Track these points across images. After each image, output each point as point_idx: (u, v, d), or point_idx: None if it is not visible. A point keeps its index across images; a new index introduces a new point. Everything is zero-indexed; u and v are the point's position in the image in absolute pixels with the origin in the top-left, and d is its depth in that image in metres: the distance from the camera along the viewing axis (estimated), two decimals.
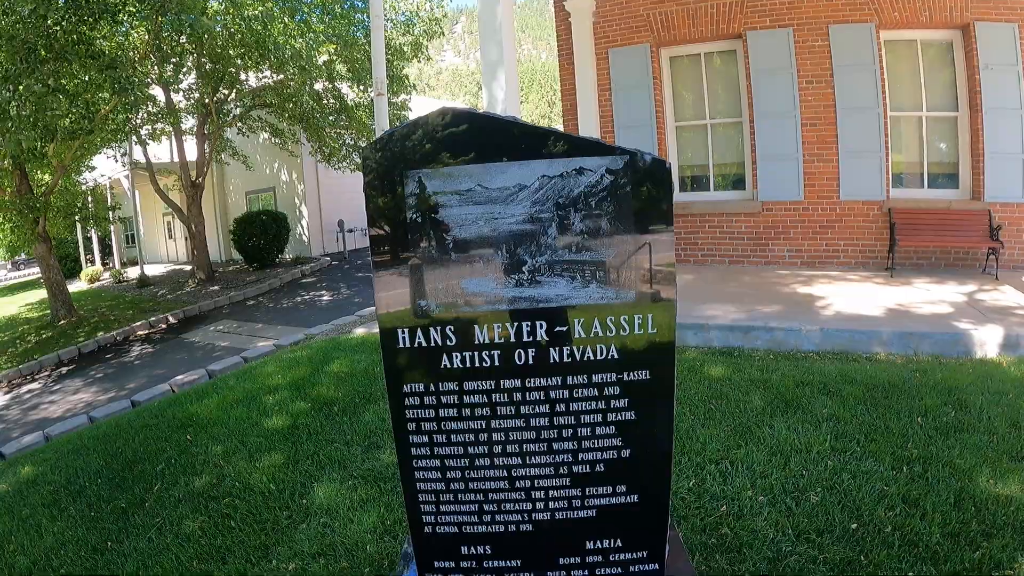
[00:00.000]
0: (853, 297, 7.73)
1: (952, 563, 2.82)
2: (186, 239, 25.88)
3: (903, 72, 10.08)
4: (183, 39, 15.01)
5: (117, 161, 22.17)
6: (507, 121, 2.08)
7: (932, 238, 9.28)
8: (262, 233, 20.56)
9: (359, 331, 8.74)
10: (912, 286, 8.33)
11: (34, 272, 40.97)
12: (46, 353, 13.76)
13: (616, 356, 2.14)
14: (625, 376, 2.17)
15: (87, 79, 13.29)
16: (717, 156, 10.84)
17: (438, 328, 2.15)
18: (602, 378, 2.18)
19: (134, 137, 18.46)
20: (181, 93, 18.52)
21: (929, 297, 7.66)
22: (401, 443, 2.25)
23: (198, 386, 7.22)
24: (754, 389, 4.98)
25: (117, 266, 26.66)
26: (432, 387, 2.19)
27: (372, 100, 17.79)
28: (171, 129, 18.83)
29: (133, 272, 24.35)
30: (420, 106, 25.34)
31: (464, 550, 2.34)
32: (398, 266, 2.11)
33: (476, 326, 2.13)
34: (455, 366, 2.17)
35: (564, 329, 2.12)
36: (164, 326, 15.37)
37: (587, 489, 2.26)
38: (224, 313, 15.66)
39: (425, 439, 2.23)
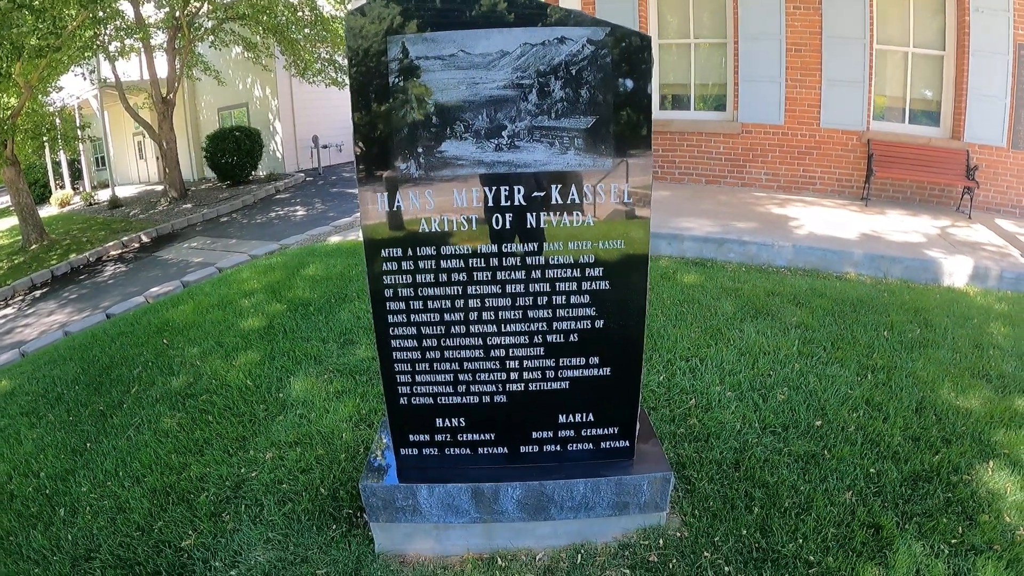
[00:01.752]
0: (827, 221, 7.82)
1: (912, 464, 2.93)
2: (157, 159, 25.35)
3: (893, 6, 9.97)
4: None
5: (86, 79, 21.55)
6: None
7: (909, 172, 9.33)
8: (235, 150, 20.12)
9: (334, 239, 8.75)
10: (886, 216, 8.43)
11: (5, 201, 40.29)
12: (18, 278, 13.63)
13: (591, 224, 2.17)
14: (600, 244, 2.22)
15: None
16: (699, 76, 10.74)
17: (422, 189, 2.16)
18: (577, 245, 2.22)
19: (102, 54, 17.86)
20: (151, 5, 17.96)
21: (902, 227, 7.77)
22: (378, 311, 2.29)
23: (173, 295, 7.21)
24: (725, 296, 5.07)
25: (88, 189, 26.07)
26: (410, 252, 2.21)
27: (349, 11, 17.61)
28: (140, 45, 18.19)
29: (104, 194, 23.90)
30: None
31: (439, 423, 2.40)
32: (380, 132, 2.12)
33: (455, 189, 2.15)
34: (433, 229, 2.19)
35: (541, 195, 2.14)
36: (137, 245, 15.22)
37: (561, 360, 2.32)
38: (197, 231, 15.52)
39: (402, 306, 2.26)
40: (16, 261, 15.50)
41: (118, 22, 16.23)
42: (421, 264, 2.22)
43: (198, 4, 17.85)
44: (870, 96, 9.69)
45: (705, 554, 2.41)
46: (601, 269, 2.22)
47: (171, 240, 14.93)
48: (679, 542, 2.48)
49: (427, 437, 2.43)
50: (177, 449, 3.48)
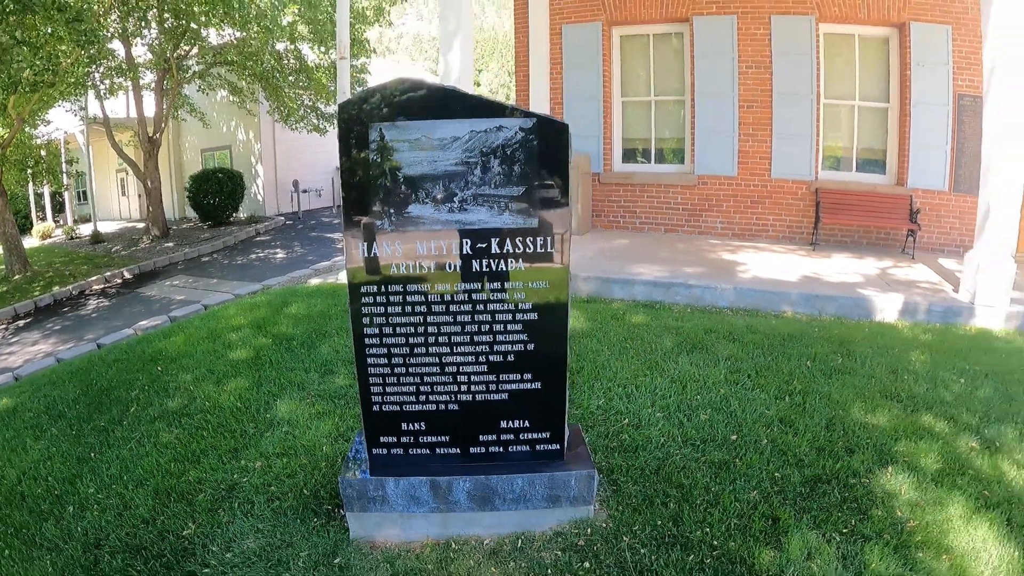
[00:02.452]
0: (773, 265, 8.43)
1: (814, 469, 3.47)
2: (140, 196, 25.71)
3: (839, 63, 10.73)
4: None
5: (75, 115, 21.99)
6: (448, 89, 2.68)
7: (855, 218, 9.99)
8: (218, 191, 20.48)
9: (314, 281, 9.24)
10: (831, 259, 9.05)
11: None
12: (1, 307, 13.80)
13: (523, 268, 2.76)
14: (529, 284, 2.80)
15: (50, 31, 13.38)
16: (659, 131, 11.44)
17: (392, 241, 2.74)
18: (511, 284, 2.81)
19: (92, 91, 18.35)
20: (142, 47, 18.44)
21: (843, 268, 8.38)
22: (357, 335, 2.85)
23: (163, 328, 7.67)
24: (667, 334, 5.64)
25: (70, 223, 26.46)
26: (382, 288, 2.79)
27: (332, 62, 18.05)
28: (129, 84, 18.69)
29: (86, 229, 24.19)
30: (379, 69, 25.44)
31: (403, 427, 2.95)
32: (364, 195, 2.72)
33: (418, 241, 2.73)
34: (400, 271, 2.77)
35: (484, 246, 2.74)
36: (119, 281, 15.48)
37: (500, 375, 2.89)
38: (179, 269, 15.81)
39: (376, 331, 2.83)
40: None
41: (109, 61, 16.73)
42: (391, 298, 2.80)
43: (187, 48, 18.37)
44: (818, 148, 10.40)
45: (625, 539, 2.93)
46: (530, 303, 2.81)
47: (153, 277, 15.22)
48: (604, 531, 3.00)
49: (394, 439, 2.97)
50: (176, 458, 3.94)
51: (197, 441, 4.13)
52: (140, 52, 18.80)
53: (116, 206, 29.82)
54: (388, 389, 2.89)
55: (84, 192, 28.96)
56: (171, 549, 3.09)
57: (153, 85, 19.19)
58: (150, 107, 19.64)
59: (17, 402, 5.50)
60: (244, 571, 2.87)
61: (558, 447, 3.01)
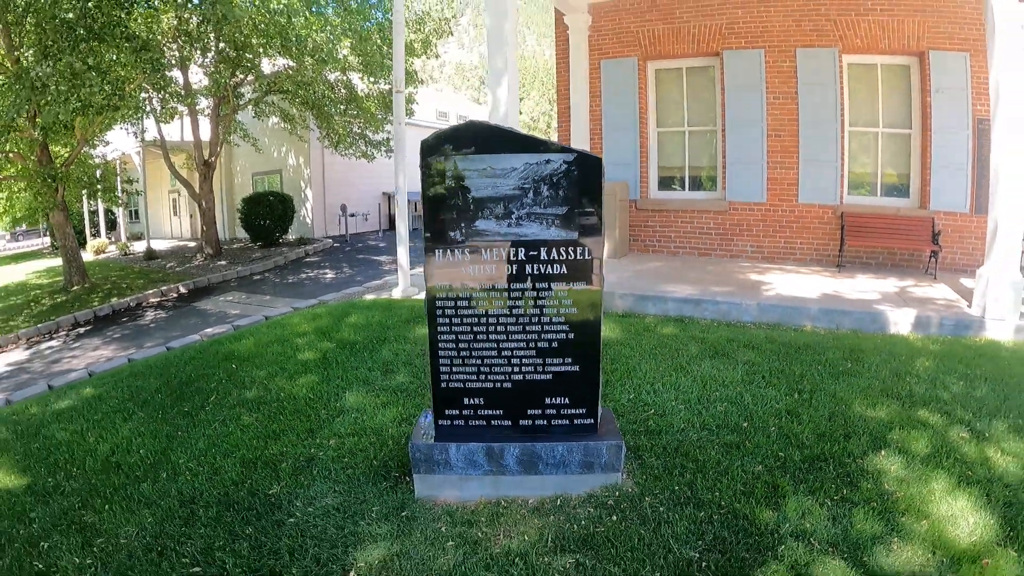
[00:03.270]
0: (797, 285, 8.98)
1: (814, 450, 4.03)
2: (191, 216, 26.73)
3: (862, 92, 11.29)
4: (209, 27, 15.92)
5: (136, 137, 23.00)
6: (506, 130, 3.35)
7: (879, 240, 10.48)
8: (269, 213, 21.47)
9: (369, 297, 9.89)
10: (854, 279, 9.53)
11: (32, 244, 41.71)
12: (62, 315, 14.64)
13: (565, 271, 3.40)
14: (571, 284, 3.43)
15: (119, 59, 14.30)
16: (692, 159, 12.10)
17: (461, 248, 3.40)
18: (556, 285, 3.44)
19: (151, 115, 19.20)
20: (200, 74, 19.30)
21: (864, 287, 8.89)
22: (431, 324, 3.51)
23: (231, 333, 8.37)
24: (693, 343, 6.23)
25: (123, 239, 27.53)
26: (453, 285, 3.44)
27: (381, 92, 18.87)
28: (185, 109, 19.64)
29: (139, 246, 25.25)
30: (424, 97, 26.30)
31: (465, 400, 3.58)
32: (441, 212, 3.40)
33: (483, 248, 3.39)
34: (469, 272, 3.43)
35: (535, 253, 3.39)
36: (175, 295, 16.28)
37: (546, 359, 3.51)
38: (232, 286, 16.59)
39: (447, 320, 3.48)
40: (58, 300, 16.69)
41: (170, 87, 17.58)
42: (460, 294, 3.44)
43: (243, 76, 19.26)
44: (843, 173, 10.94)
45: (647, 499, 3.51)
46: (571, 300, 3.43)
47: (208, 293, 15.99)
48: (630, 494, 3.58)
49: (457, 411, 3.60)
50: (257, 436, 4.57)
51: (276, 423, 4.78)
52: (196, 79, 19.70)
53: (168, 225, 30.92)
54: (454, 369, 3.53)
55: (136, 211, 30.10)
56: (260, 503, 3.69)
57: (208, 111, 20.17)
58: (205, 132, 20.58)
59: (101, 391, 6.10)
60: (325, 520, 3.46)
61: (592, 422, 3.62)
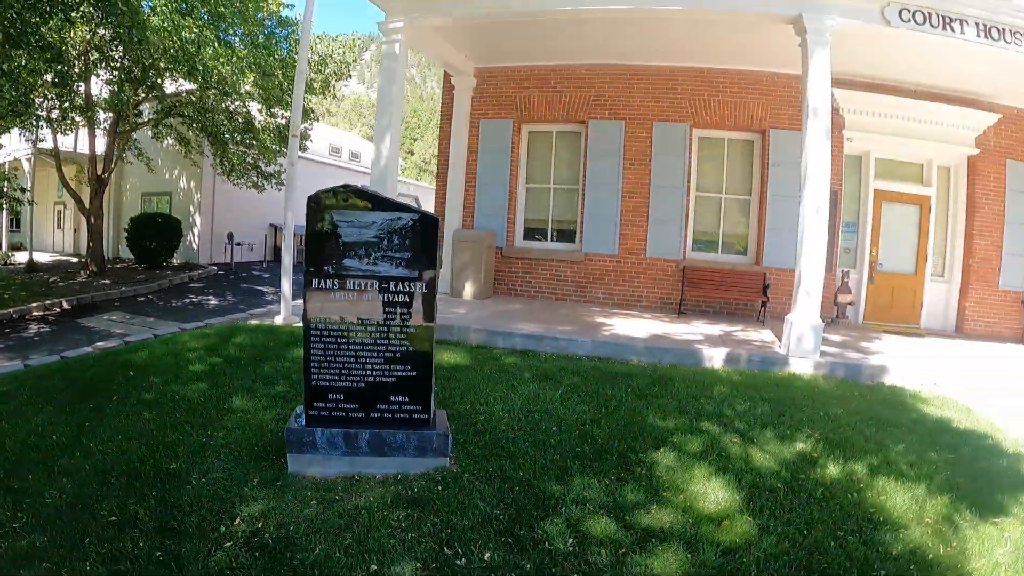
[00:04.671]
0: (635, 327, 10.35)
1: (603, 446, 5.25)
2: (75, 230, 26.33)
3: (710, 162, 13.04)
4: (120, 45, 16.28)
5: (31, 144, 22.40)
6: (371, 193, 4.49)
7: (716, 291, 12.12)
8: (157, 235, 21.56)
9: (253, 322, 10.71)
10: (690, 324, 11.02)
11: None
12: None
13: (408, 300, 4.54)
14: (411, 308, 4.57)
15: (28, 65, 14.21)
16: (555, 213, 13.76)
17: (332, 280, 4.50)
18: (401, 309, 4.57)
19: (49, 124, 18.82)
20: (102, 87, 19.30)
21: (695, 330, 10.35)
22: (306, 334, 4.58)
23: (125, 347, 9.08)
24: (529, 370, 7.46)
25: (4, 249, 26.96)
26: (324, 307, 4.52)
27: (277, 125, 19.51)
28: (82, 120, 19.17)
29: (21, 257, 24.65)
30: (319, 132, 26.96)
31: (329, 396, 4.65)
32: (319, 251, 4.48)
33: (348, 280, 4.49)
34: (336, 297, 4.51)
35: (386, 285, 4.51)
36: (59, 310, 15.93)
37: (392, 366, 4.63)
38: (116, 306, 16.49)
39: (318, 332, 4.56)
40: None
41: (73, 99, 17.56)
42: (329, 312, 4.53)
43: (144, 94, 19.38)
44: (687, 232, 12.62)
45: (466, 476, 4.63)
46: (411, 322, 4.57)
47: (92, 311, 15.89)
48: (454, 472, 4.68)
49: (323, 404, 4.66)
50: (158, 427, 5.42)
51: (173, 418, 5.65)
52: (98, 92, 19.61)
53: (51, 238, 30.21)
54: (322, 371, 4.61)
55: (15, 220, 29.21)
56: (163, 475, 4.59)
57: (107, 125, 20.08)
58: (100, 146, 20.45)
59: (7, 388, 6.63)
60: (216, 487, 4.41)
61: (427, 416, 4.75)
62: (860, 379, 8.53)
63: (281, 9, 19.07)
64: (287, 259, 10.74)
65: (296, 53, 17.02)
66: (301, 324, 8.86)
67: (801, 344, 8.79)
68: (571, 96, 13.29)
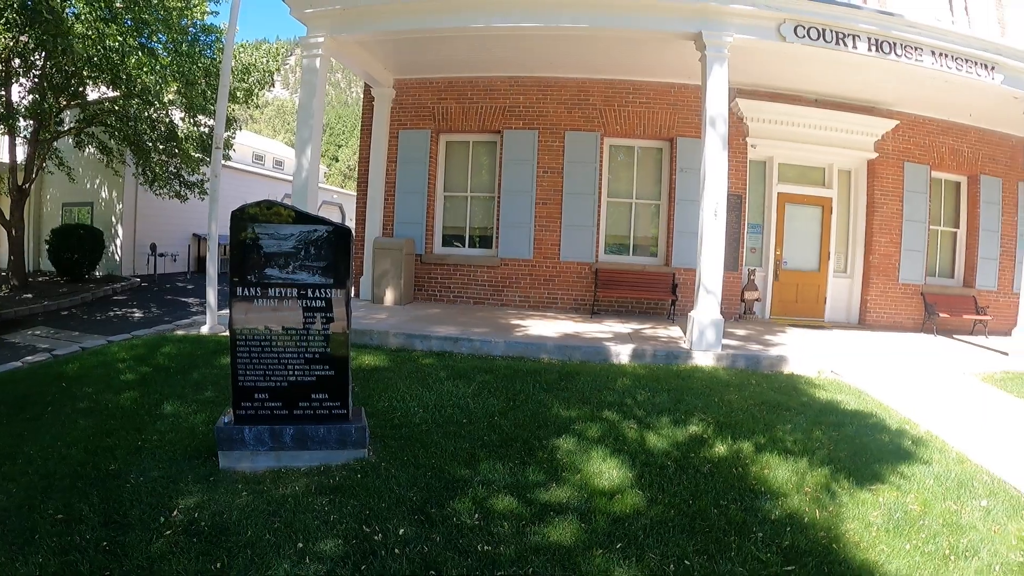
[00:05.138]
0: (549, 327, 10.91)
1: (509, 435, 5.78)
2: None
3: (621, 169, 13.71)
4: (44, 53, 16.07)
5: None
6: (290, 208, 4.92)
7: (628, 291, 12.81)
8: (79, 247, 21.10)
9: (180, 332, 10.92)
10: (602, 323, 11.65)
11: None
12: None
13: (324, 305, 4.98)
14: (328, 314, 5.01)
15: None
16: (473, 220, 14.30)
17: (255, 288, 4.90)
18: (319, 314, 5.01)
19: None
20: (24, 97, 18.82)
21: (606, 329, 10.96)
22: (232, 338, 4.98)
23: (55, 359, 9.25)
24: (444, 369, 7.96)
25: None
26: (248, 313, 4.93)
27: (200, 133, 19.43)
28: (2, 128, 18.57)
29: None
30: (243, 140, 26.78)
31: (256, 396, 5.06)
32: (243, 261, 4.89)
33: (270, 288, 4.91)
34: (260, 304, 4.93)
35: (304, 292, 4.95)
36: None
37: (312, 366, 5.06)
38: (39, 320, 16.17)
39: (243, 337, 4.96)
40: None
41: None
42: (253, 318, 4.94)
43: (65, 102, 19.06)
44: (599, 236, 13.28)
45: (383, 465, 5.09)
46: (328, 325, 5.02)
47: (14, 326, 15.62)
48: (372, 462, 5.14)
49: (250, 403, 5.07)
50: (95, 433, 5.71)
51: (108, 424, 5.95)
52: (17, 99, 18.98)
53: None
54: (248, 372, 5.02)
55: None
56: (103, 475, 4.92)
57: (27, 134, 19.59)
58: (20, 155, 19.88)
59: None
60: (153, 484, 4.77)
61: (345, 412, 5.20)
62: (759, 369, 9.24)
63: (205, 17, 18.83)
64: (212, 269, 10.87)
65: (220, 62, 17.01)
66: (227, 333, 9.26)
67: (704, 338, 9.47)
68: (487, 107, 13.88)
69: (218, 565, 3.74)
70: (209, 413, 6.25)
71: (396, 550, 3.94)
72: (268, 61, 21.35)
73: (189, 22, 18.29)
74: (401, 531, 4.16)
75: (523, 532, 4.25)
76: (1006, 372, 10.38)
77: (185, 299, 19.15)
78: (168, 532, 4.09)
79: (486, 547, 4.03)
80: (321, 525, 4.20)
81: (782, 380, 8.59)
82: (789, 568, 3.99)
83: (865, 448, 6.10)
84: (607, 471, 5.21)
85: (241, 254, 4.94)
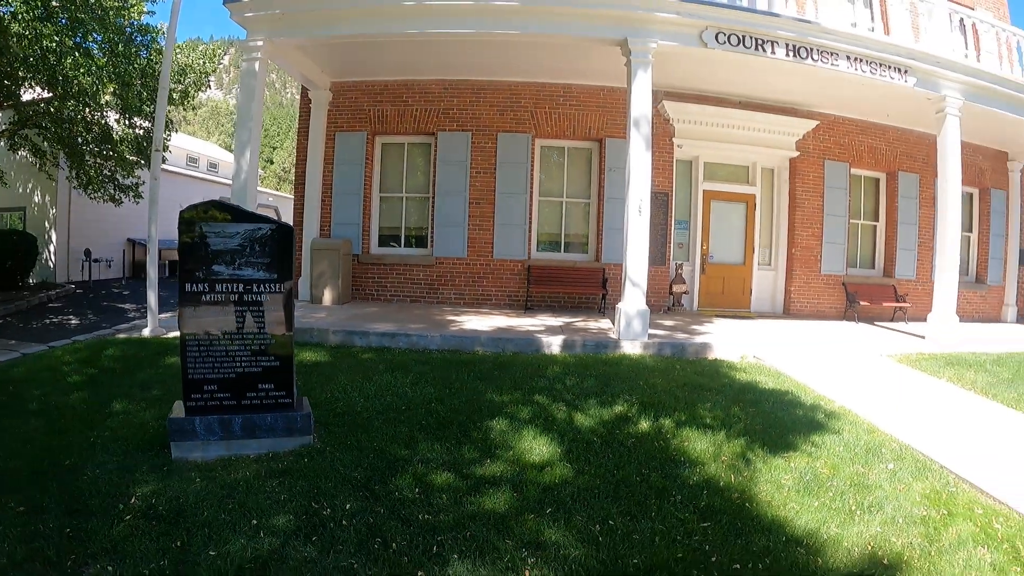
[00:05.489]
0: (483, 322, 11.38)
1: (446, 419, 6.18)
2: None
3: (552, 169, 14.20)
4: None
5: None
6: (235, 207, 5.25)
7: (560, 286, 13.33)
8: (12, 254, 20.59)
9: (122, 336, 11.05)
10: (535, 317, 12.14)
11: None
12: None
13: (269, 298, 5.31)
14: (271, 308, 5.34)
15: None
16: (408, 221, 14.72)
17: (203, 283, 5.21)
18: (264, 307, 5.34)
19: None
20: None
21: (539, 322, 11.46)
22: (182, 332, 5.27)
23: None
24: (382, 363, 8.34)
25: None
26: (197, 308, 5.23)
27: (136, 135, 19.16)
28: None
29: None
30: (177, 142, 26.43)
31: (205, 388, 5.36)
32: (191, 258, 5.19)
33: (217, 283, 5.22)
34: (207, 298, 5.23)
35: (250, 287, 5.27)
36: None
37: (258, 358, 5.39)
38: None
39: (193, 330, 5.25)
40: None
41: None
42: (202, 311, 5.24)
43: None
44: (531, 234, 13.79)
45: (328, 449, 5.43)
46: (273, 317, 5.35)
47: None
48: (318, 447, 5.47)
49: (200, 395, 5.36)
50: (48, 432, 5.87)
51: (60, 423, 6.11)
52: None
53: None
54: (198, 365, 5.31)
55: None
56: (60, 470, 5.11)
57: None
58: None
59: None
60: (110, 475, 5.00)
61: (290, 401, 5.53)
62: (685, 356, 9.80)
63: (142, 16, 18.46)
64: (152, 273, 10.98)
65: (157, 63, 17.17)
66: (169, 335, 9.49)
67: (631, 328, 9.99)
68: (422, 109, 14.26)
69: (178, 543, 4.03)
70: (158, 409, 6.47)
71: (344, 522, 4.30)
72: (204, 63, 21.16)
73: (126, 21, 17.94)
74: (348, 506, 4.51)
75: (460, 502, 4.65)
76: (921, 354, 11.16)
77: (122, 305, 18.95)
78: (128, 517, 4.34)
79: (427, 516, 4.42)
80: (273, 504, 4.52)
81: (705, 365, 9.16)
82: (705, 524, 4.46)
83: (780, 422, 6.67)
84: (537, 447, 5.65)
85: (190, 252, 5.23)
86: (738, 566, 3.98)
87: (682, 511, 4.64)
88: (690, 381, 8.03)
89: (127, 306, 18.75)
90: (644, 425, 6.33)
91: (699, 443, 5.93)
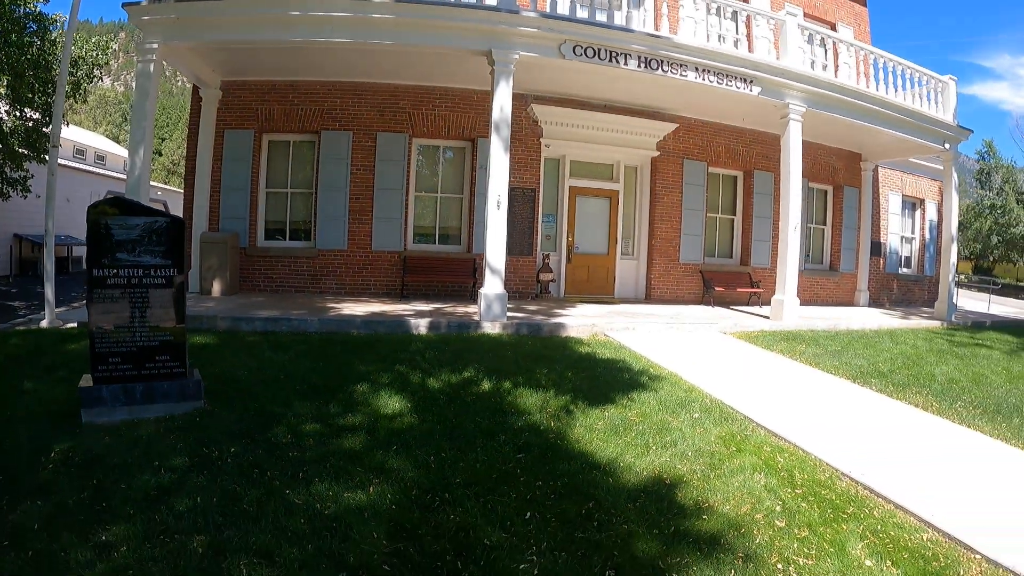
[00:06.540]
0: (361, 308, 12.47)
1: (319, 386, 7.20)
2: None
3: (428, 167, 15.32)
4: None
5: None
6: (136, 203, 6.24)
7: (434, 276, 14.55)
8: None
9: (21, 328, 11.52)
10: (410, 304, 13.30)
11: None
12: None
13: (164, 282, 6.30)
14: (168, 289, 6.34)
15: None
16: (293, 215, 15.64)
17: (109, 268, 6.15)
18: (161, 288, 6.32)
19: None
20: None
21: (411, 308, 12.63)
22: (89, 309, 6.19)
23: None
24: (267, 343, 9.36)
25: None
26: (104, 289, 6.16)
27: (26, 127, 18.89)
28: None
29: None
30: (65, 134, 25.95)
31: (110, 360, 6.29)
32: (98, 247, 6.14)
33: (120, 268, 6.17)
34: (112, 281, 6.18)
35: (147, 271, 6.24)
36: None
37: (155, 332, 6.36)
38: None
39: (97, 308, 6.19)
40: None
41: None
42: (106, 293, 6.17)
43: None
44: (407, 227, 15.04)
45: (216, 410, 6.44)
46: (168, 298, 6.34)
47: None
48: (208, 410, 6.45)
49: (105, 367, 6.28)
50: None
51: None
52: None
53: None
54: (103, 339, 6.24)
55: None
56: None
57: None
58: None
59: None
60: (28, 441, 5.75)
61: (183, 371, 6.52)
62: (540, 334, 11.13)
63: (38, 5, 17.96)
64: (49, 266, 11.36)
65: (50, 54, 17.53)
66: (67, 326, 10.18)
67: (491, 311, 11.27)
68: (307, 109, 15.20)
69: (94, 481, 4.93)
70: (66, 387, 7.15)
71: (229, 460, 5.34)
72: (98, 54, 20.90)
73: (22, 10, 17.57)
74: (232, 449, 5.55)
75: (324, 443, 5.76)
76: (762, 331, 12.84)
77: (11, 303, 18.61)
78: (51, 466, 5.21)
79: (296, 454, 5.51)
80: (170, 451, 5.51)
81: (556, 341, 10.51)
82: (520, 456, 5.69)
83: (607, 383, 8.01)
84: (391, 404, 6.83)
85: (97, 240, 6.13)
86: (540, 483, 5.19)
87: (504, 447, 5.84)
88: (537, 353, 9.34)
89: (16, 303, 18.42)
90: (486, 386, 7.59)
91: (530, 399, 7.21)
